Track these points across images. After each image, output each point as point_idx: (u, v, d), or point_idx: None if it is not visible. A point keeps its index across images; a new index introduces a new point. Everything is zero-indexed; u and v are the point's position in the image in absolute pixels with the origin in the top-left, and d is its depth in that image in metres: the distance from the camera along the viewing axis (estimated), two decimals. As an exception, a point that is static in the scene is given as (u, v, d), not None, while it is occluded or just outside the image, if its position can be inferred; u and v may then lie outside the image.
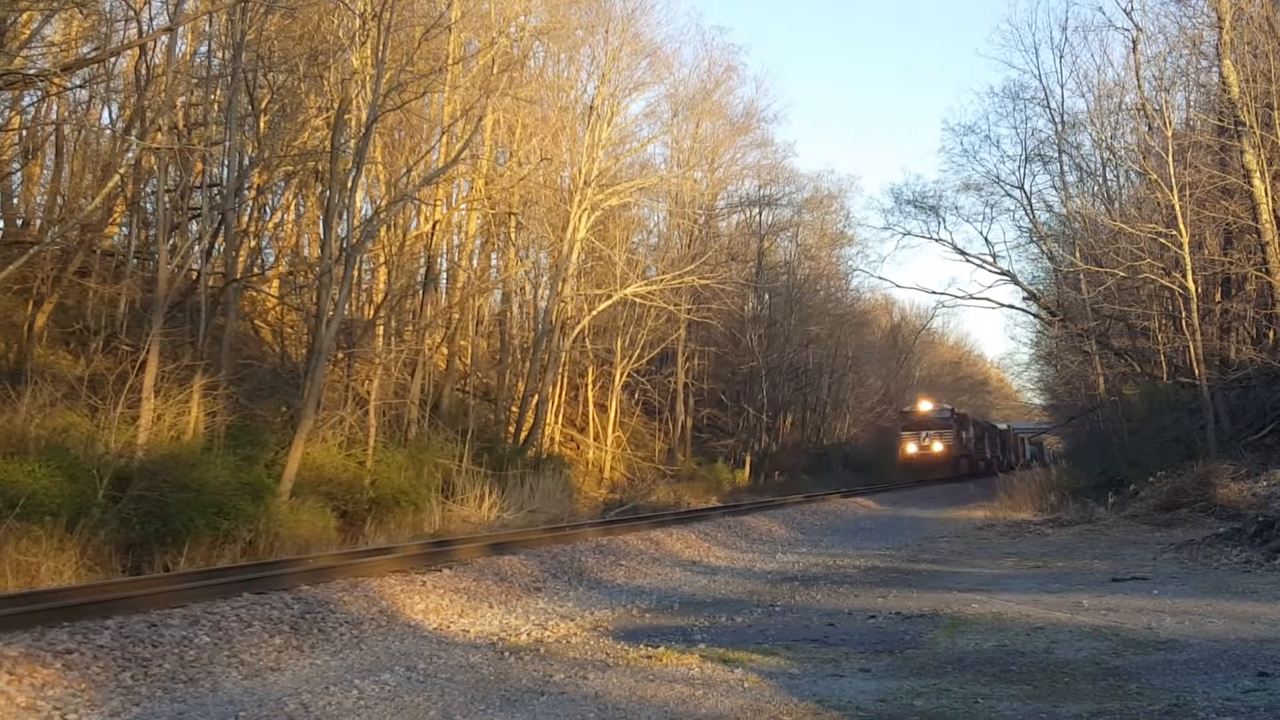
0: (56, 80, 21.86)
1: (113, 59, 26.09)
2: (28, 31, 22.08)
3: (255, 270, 30.58)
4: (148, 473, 19.81)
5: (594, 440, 47.29)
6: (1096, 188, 46.63)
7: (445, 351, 38.20)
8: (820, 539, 28.30)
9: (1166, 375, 37.11)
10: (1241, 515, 23.56)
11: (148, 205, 27.57)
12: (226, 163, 26.85)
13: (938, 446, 66.33)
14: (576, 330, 42.68)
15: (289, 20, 28.96)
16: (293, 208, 35.22)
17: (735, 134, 59.69)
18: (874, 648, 11.95)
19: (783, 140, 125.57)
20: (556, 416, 44.71)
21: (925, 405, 68.55)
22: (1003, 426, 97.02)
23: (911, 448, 66.76)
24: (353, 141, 27.79)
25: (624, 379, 48.84)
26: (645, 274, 46.97)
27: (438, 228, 37.04)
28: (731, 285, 52.06)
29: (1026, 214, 49.33)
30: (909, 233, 54.50)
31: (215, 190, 27.53)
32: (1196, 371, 32.50)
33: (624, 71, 44.34)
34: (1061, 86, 73.42)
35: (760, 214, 65.27)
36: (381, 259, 35.75)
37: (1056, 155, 47.40)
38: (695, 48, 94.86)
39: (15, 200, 29.49)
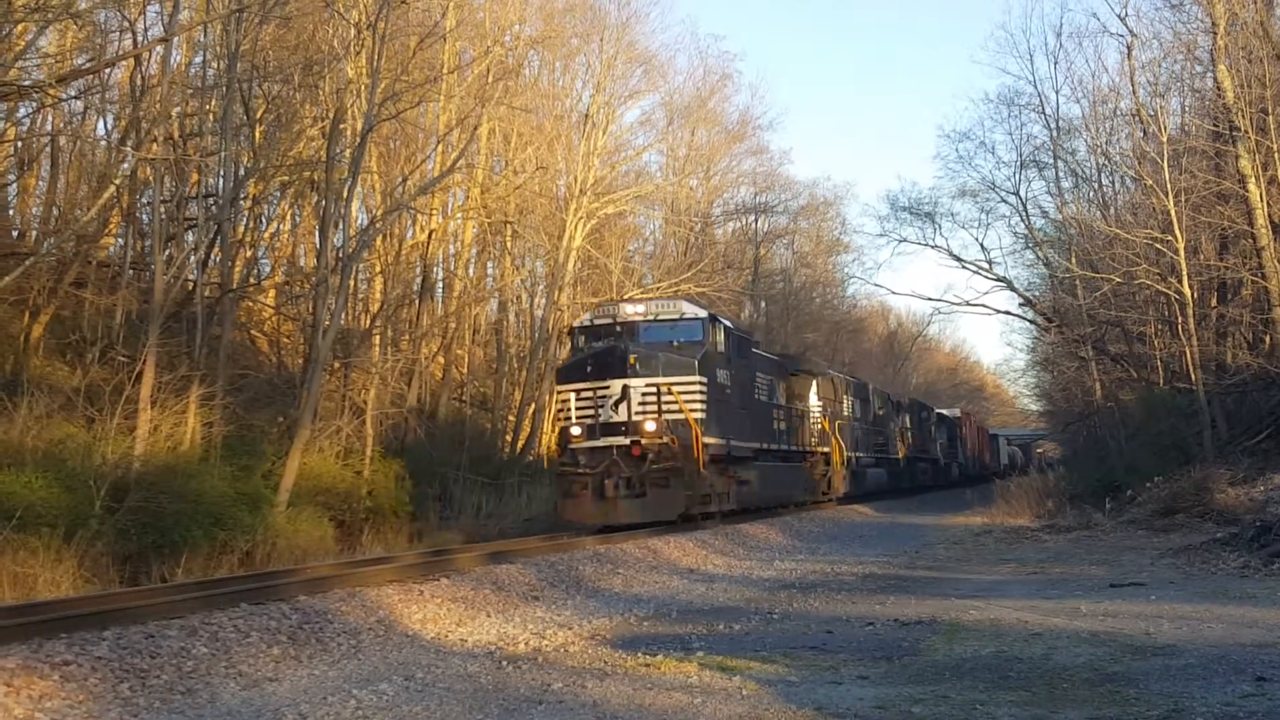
0: (51, 91, 21.85)
1: (108, 70, 26.15)
2: (22, 43, 22.12)
3: (251, 280, 30.63)
4: (145, 483, 19.80)
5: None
6: (1092, 193, 46.62)
7: (442, 360, 38.24)
8: (818, 546, 28.25)
9: (1163, 380, 37.06)
10: (1239, 520, 23.48)
11: (143, 216, 27.63)
12: (222, 173, 26.92)
13: (651, 425, 25.47)
14: (573, 339, 42.67)
15: (284, 30, 29.01)
16: (288, 218, 35.27)
17: (731, 141, 59.69)
18: (872, 655, 11.93)
19: (778, 148, 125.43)
20: (553, 425, 44.71)
21: (634, 308, 28.28)
22: (953, 414, 76.81)
23: (576, 429, 26.07)
24: (348, 151, 27.81)
25: (621, 387, 48.78)
26: (641, 282, 46.92)
27: (434, 237, 37.10)
28: (728, 293, 51.98)
29: (1022, 220, 49.30)
30: (905, 239, 54.29)
31: (211, 200, 27.57)
32: (1193, 377, 32.43)
33: (619, 80, 44.40)
34: (1056, 92, 73.31)
35: (756, 221, 65.35)
36: (377, 268, 35.81)
37: (1052, 161, 47.31)
38: (690, 56, 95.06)
39: (11, 211, 29.54)
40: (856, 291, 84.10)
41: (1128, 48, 37.32)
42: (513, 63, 38.45)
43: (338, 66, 28.68)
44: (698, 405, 26.01)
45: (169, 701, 9.57)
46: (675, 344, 26.95)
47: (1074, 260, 40.84)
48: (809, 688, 10.34)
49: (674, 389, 25.67)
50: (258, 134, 28.20)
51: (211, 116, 27.58)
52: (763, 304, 65.22)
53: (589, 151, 40.80)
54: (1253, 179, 30.48)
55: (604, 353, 26.43)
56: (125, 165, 25.04)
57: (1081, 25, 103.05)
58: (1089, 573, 19.83)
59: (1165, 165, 32.61)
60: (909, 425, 59.17)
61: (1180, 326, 33.63)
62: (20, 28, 21.62)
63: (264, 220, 33.08)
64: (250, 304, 31.52)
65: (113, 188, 24.00)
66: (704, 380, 26.35)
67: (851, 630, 13.78)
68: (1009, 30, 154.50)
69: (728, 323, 29.94)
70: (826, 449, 40.14)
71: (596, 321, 28.12)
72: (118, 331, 24.64)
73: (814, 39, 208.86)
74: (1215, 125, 33.38)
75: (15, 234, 29.16)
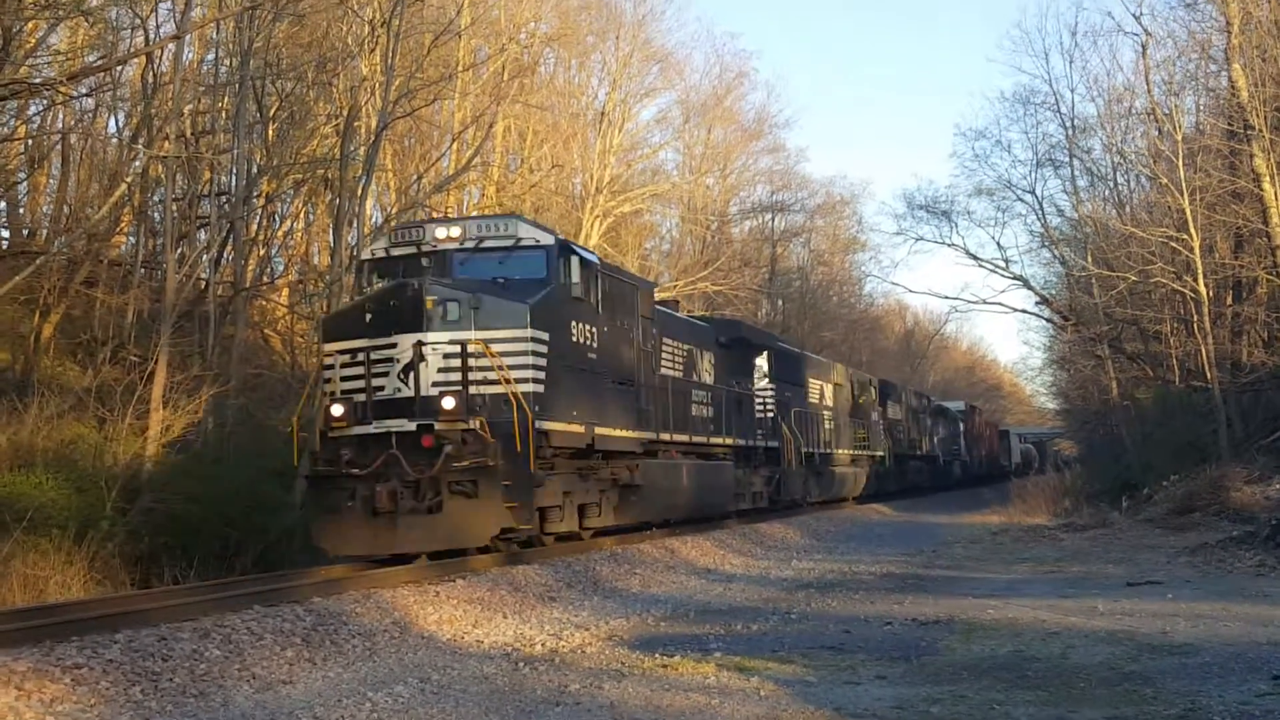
0: (62, 89, 21.83)
1: (119, 67, 26.11)
2: (33, 40, 22.12)
3: (264, 279, 30.64)
4: (157, 484, 19.78)
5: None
6: (1107, 192, 46.54)
7: (457, 359, 38.16)
8: (835, 545, 28.20)
9: (1179, 379, 37.04)
10: (1255, 518, 23.45)
11: (155, 214, 27.61)
12: (235, 171, 26.90)
13: (451, 402, 16.57)
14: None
15: (297, 27, 28.97)
16: (302, 216, 35.27)
17: (747, 140, 59.68)
18: (890, 654, 11.89)
19: (795, 146, 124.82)
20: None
21: (447, 230, 18.73)
22: (957, 408, 70.84)
23: (338, 408, 17.30)
24: (362, 149, 27.81)
25: (636, 385, 48.70)
26: (658, 280, 46.93)
27: (448, 235, 37.00)
28: (745, 291, 52.06)
29: (1038, 219, 49.00)
30: (921, 238, 53.78)
31: (224, 199, 27.57)
32: (1208, 375, 32.43)
33: (635, 78, 44.51)
34: (1071, 91, 72.43)
35: (773, 220, 65.32)
36: (392, 267, 35.74)
37: (1067, 160, 47.05)
38: (706, 54, 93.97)
39: (21, 210, 29.56)
40: (873, 289, 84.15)
41: (1142, 46, 37.19)
42: (528, 60, 38.49)
43: (352, 64, 28.68)
44: (528, 371, 17.43)
45: (181, 705, 9.51)
46: (502, 281, 18.20)
47: (1090, 259, 40.82)
48: (827, 688, 10.30)
49: (492, 347, 17.05)
50: (271, 132, 28.19)
51: (224, 114, 27.60)
52: (780, 302, 65.22)
53: (605, 149, 40.83)
54: (1267, 177, 30.42)
55: (389, 294, 17.73)
56: (137, 163, 25.05)
57: (1096, 24, 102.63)
58: (1106, 571, 19.79)
59: (1180, 164, 32.57)
60: (899, 417, 52.14)
61: (1196, 325, 33.59)
62: (31, 25, 21.61)
63: (277, 218, 33.12)
64: (263, 303, 31.54)
65: (124, 186, 24.03)
66: (541, 335, 17.77)
67: (869, 630, 13.73)
68: (1024, 29, 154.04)
69: (591, 256, 20.70)
70: (777, 443, 31.79)
71: (394, 251, 19.03)
72: (129, 331, 24.64)
73: (830, 38, 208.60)
74: (1230, 124, 33.31)
75: (26, 233, 29.15)
